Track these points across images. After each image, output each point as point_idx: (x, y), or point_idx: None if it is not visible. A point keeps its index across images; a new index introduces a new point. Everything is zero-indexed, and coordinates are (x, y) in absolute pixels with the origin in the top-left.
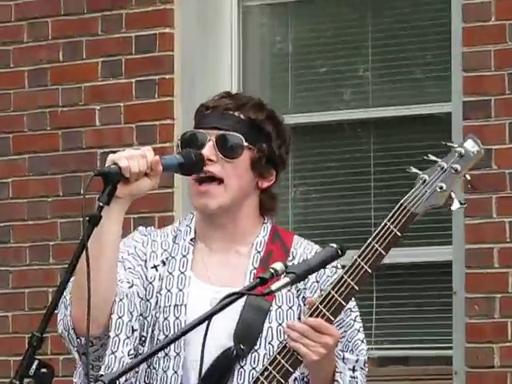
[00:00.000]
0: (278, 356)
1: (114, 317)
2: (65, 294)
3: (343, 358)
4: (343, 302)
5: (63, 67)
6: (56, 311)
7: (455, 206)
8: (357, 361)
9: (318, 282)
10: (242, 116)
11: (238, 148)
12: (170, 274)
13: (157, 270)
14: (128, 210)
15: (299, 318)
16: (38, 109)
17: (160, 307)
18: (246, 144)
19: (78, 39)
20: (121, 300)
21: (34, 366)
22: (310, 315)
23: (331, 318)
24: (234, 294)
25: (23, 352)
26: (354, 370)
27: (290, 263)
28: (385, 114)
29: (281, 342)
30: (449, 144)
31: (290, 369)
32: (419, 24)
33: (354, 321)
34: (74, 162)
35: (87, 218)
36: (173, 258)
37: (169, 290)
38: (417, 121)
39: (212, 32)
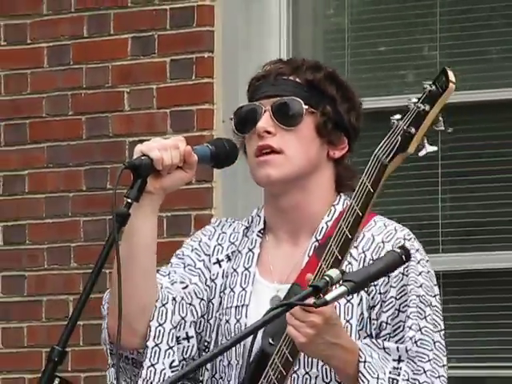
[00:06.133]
0: (282, 343)
1: (153, 324)
2: (103, 303)
3: (384, 348)
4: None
5: (87, 44)
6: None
7: (424, 151)
8: (398, 349)
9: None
10: (297, 79)
11: (297, 113)
12: (235, 270)
13: (220, 265)
14: (160, 208)
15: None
16: (58, 91)
17: (223, 309)
18: (306, 107)
19: (105, 12)
20: (163, 305)
21: None
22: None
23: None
24: (282, 305)
25: (39, 368)
26: (399, 360)
27: (353, 251)
28: (460, 99)
29: None
30: (423, 82)
31: (290, 357)
32: None
33: (408, 305)
34: (99, 152)
35: (115, 216)
36: (239, 252)
37: (232, 289)
38: (501, 108)
39: (258, 4)
